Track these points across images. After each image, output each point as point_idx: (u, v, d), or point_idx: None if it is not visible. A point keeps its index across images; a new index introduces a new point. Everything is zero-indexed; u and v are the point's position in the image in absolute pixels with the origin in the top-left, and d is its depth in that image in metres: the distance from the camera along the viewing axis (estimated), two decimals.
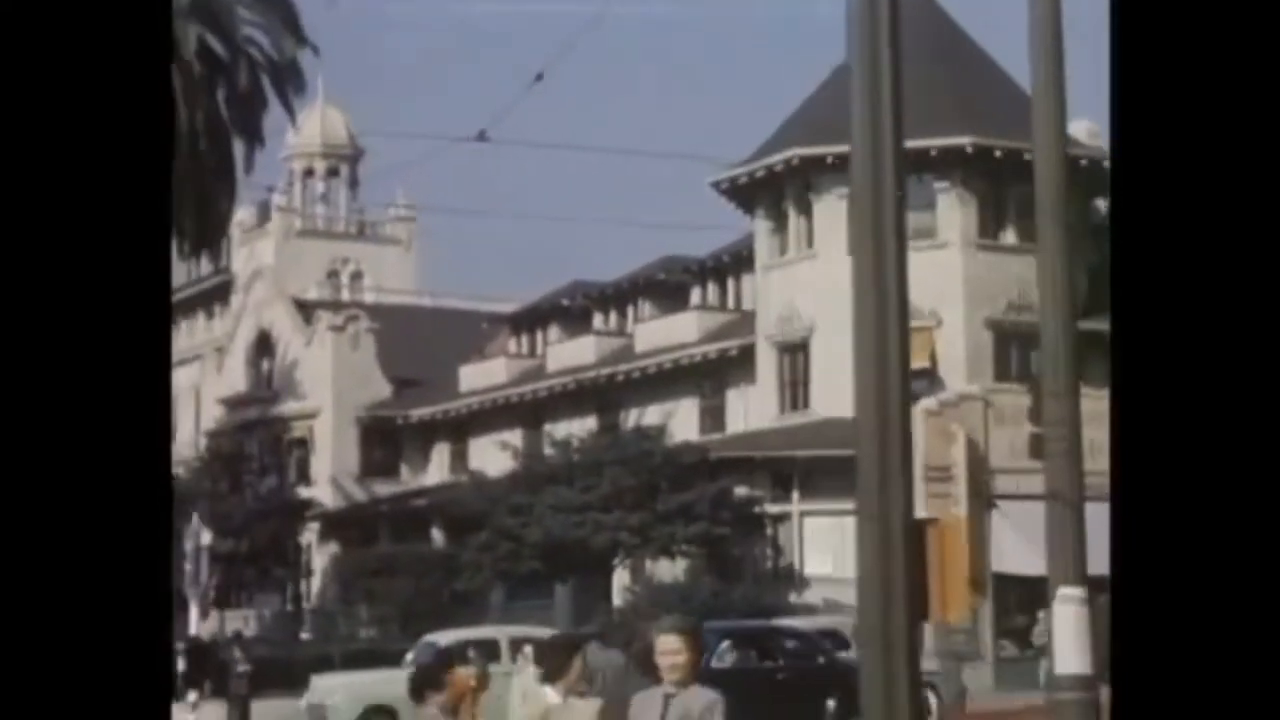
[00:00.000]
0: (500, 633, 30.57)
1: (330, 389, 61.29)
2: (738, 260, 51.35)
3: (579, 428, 53.19)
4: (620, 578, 45.84)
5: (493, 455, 57.68)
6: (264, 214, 70.78)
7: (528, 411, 56.01)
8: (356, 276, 72.80)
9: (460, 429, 59.86)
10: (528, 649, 20.41)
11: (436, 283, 73.10)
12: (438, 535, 55.02)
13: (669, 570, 43.17)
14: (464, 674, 18.41)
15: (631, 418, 48.34)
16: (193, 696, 31.17)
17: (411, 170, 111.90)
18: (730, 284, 52.13)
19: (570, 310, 58.13)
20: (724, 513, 39.86)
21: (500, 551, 39.09)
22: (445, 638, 30.23)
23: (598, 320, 56.91)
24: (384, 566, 43.35)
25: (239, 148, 45.30)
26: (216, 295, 73.24)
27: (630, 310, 55.84)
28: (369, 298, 69.61)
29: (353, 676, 30.61)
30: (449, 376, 61.98)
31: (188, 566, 32.79)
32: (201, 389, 68.91)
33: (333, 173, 74.39)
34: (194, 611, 33.28)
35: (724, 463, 42.09)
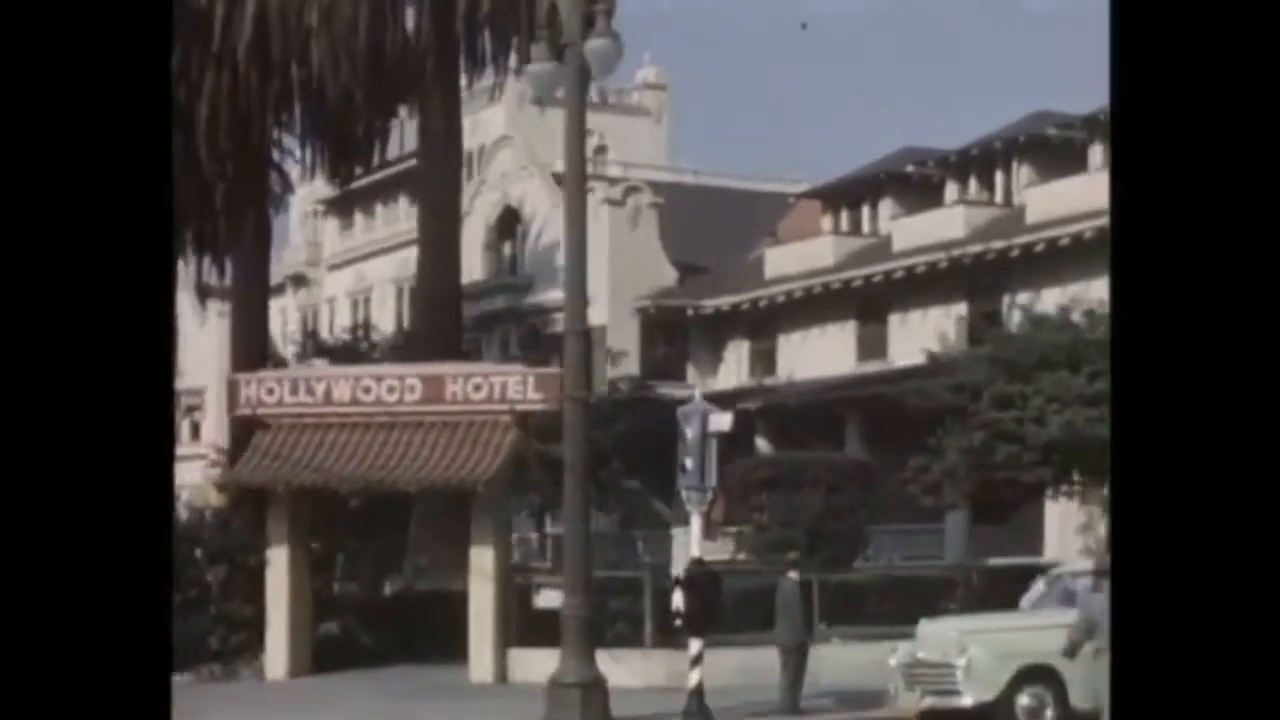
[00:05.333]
0: None
1: (606, 274, 51.73)
2: None
3: (938, 317, 44.24)
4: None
5: (809, 352, 48.62)
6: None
7: (868, 298, 46.63)
8: (600, 150, 63.17)
9: (767, 322, 50.50)
10: None
11: (691, 159, 63.58)
12: (763, 445, 45.85)
13: None
14: None
15: (1017, 304, 39.23)
16: (695, 647, 21.65)
17: (661, 36, 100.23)
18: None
19: (911, 179, 48.52)
20: None
21: (999, 456, 29.60)
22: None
23: (950, 191, 47.26)
24: (781, 476, 34.25)
25: None
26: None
27: (998, 176, 46.24)
28: (614, 173, 60.08)
29: (984, 621, 21.26)
30: (733, 261, 52.75)
31: (688, 462, 22.52)
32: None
33: None
34: (695, 527, 23.11)
35: None
